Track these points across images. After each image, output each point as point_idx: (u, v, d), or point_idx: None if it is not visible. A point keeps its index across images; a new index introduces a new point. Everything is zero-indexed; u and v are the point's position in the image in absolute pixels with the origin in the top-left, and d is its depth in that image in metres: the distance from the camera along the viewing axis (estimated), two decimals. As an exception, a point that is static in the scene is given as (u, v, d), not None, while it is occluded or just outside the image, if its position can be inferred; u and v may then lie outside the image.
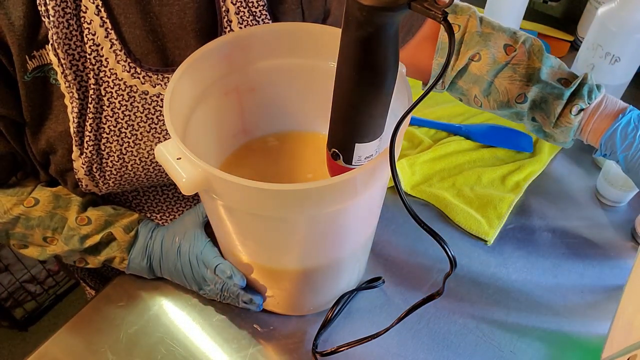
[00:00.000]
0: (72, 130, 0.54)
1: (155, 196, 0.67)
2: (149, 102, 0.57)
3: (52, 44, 0.51)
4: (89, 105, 0.54)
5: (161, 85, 0.57)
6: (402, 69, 0.47)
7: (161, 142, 0.57)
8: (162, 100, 0.57)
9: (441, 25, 0.53)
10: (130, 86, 0.55)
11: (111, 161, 0.57)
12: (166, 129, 0.58)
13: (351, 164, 0.46)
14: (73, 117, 0.54)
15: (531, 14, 1.10)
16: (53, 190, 0.59)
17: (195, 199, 0.71)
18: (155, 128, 0.58)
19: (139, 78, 0.55)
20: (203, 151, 0.56)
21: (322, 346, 0.60)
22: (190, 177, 0.41)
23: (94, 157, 0.56)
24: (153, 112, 0.57)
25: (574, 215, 0.74)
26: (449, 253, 0.40)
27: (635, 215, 0.73)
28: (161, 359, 0.59)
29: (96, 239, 0.59)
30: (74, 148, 0.55)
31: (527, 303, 0.64)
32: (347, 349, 0.56)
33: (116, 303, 0.64)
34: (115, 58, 0.54)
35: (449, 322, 0.62)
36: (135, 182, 0.60)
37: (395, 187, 0.39)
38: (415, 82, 0.95)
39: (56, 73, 0.52)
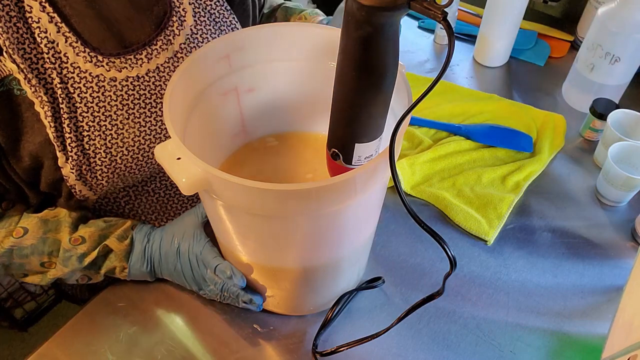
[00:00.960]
0: (51, 136, 0.53)
1: (147, 198, 0.67)
2: (120, 88, 0.55)
3: (6, 52, 0.49)
4: (61, 106, 0.53)
5: (127, 69, 0.55)
6: (402, 68, 0.47)
7: (142, 126, 0.57)
8: (132, 83, 0.56)
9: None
10: (97, 76, 0.54)
11: (99, 158, 0.56)
12: (145, 112, 0.57)
13: (351, 164, 0.46)
14: (49, 122, 0.52)
15: (531, 14, 1.11)
16: (39, 215, 0.58)
17: (189, 198, 0.70)
18: (134, 113, 0.57)
19: (102, 66, 0.54)
20: (203, 151, 0.56)
21: (322, 346, 0.60)
22: (190, 177, 0.41)
23: (81, 158, 0.55)
24: (127, 97, 0.56)
25: (574, 215, 0.74)
26: (449, 253, 0.40)
27: (635, 215, 0.73)
28: (161, 359, 0.59)
29: (94, 255, 0.58)
30: (59, 154, 0.54)
31: (527, 303, 0.64)
32: (347, 349, 0.56)
33: (116, 303, 0.64)
34: (74, 51, 0.53)
35: (449, 322, 0.62)
36: (127, 175, 0.59)
37: (395, 187, 0.39)
38: (415, 82, 0.95)
39: (18, 82, 0.51)
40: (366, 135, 0.44)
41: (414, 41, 1.08)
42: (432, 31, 1.10)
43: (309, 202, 0.43)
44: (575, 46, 1.03)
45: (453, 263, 0.41)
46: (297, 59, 0.57)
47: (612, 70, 0.82)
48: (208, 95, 0.55)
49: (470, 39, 1.06)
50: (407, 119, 0.42)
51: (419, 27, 1.12)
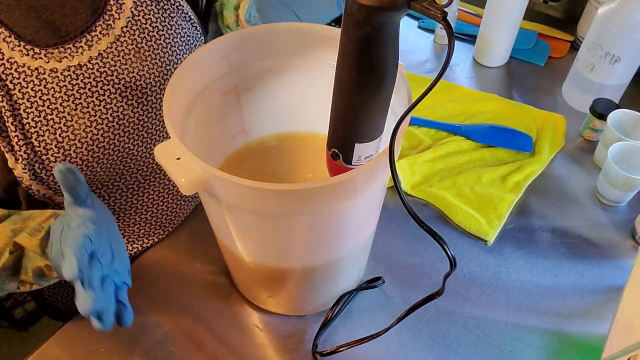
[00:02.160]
0: None
1: (121, 195, 0.64)
2: (62, 79, 0.54)
3: None
4: (2, 104, 0.51)
5: (67, 58, 0.54)
6: (402, 68, 0.47)
7: (92, 115, 0.55)
8: (74, 72, 0.54)
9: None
10: (36, 68, 0.52)
11: (52, 154, 0.54)
12: (94, 101, 0.56)
13: (351, 164, 0.46)
14: None
15: (531, 14, 1.11)
16: None
17: (172, 195, 0.68)
18: (81, 102, 0.55)
19: (40, 58, 0.52)
20: (203, 151, 0.56)
21: (322, 346, 0.60)
22: (190, 177, 0.41)
23: (32, 156, 0.53)
24: (71, 88, 0.54)
25: (574, 215, 0.74)
26: (449, 253, 0.40)
27: (635, 215, 0.73)
28: (161, 359, 0.59)
29: (5, 255, 0.48)
30: (7, 155, 0.52)
31: (527, 303, 0.64)
32: (347, 349, 0.56)
33: (116, 303, 0.64)
34: (8, 46, 0.51)
35: (449, 322, 0.62)
36: (86, 169, 0.57)
37: (395, 187, 0.39)
38: (415, 82, 0.95)
39: None
40: (366, 135, 0.44)
41: (414, 41, 1.08)
42: (432, 31, 1.10)
43: (309, 202, 0.43)
44: (575, 46, 1.03)
45: (453, 263, 0.41)
46: (297, 59, 0.57)
47: (612, 70, 0.82)
48: (208, 95, 0.54)
49: (470, 39, 1.06)
50: (407, 119, 0.42)
51: (419, 27, 1.12)
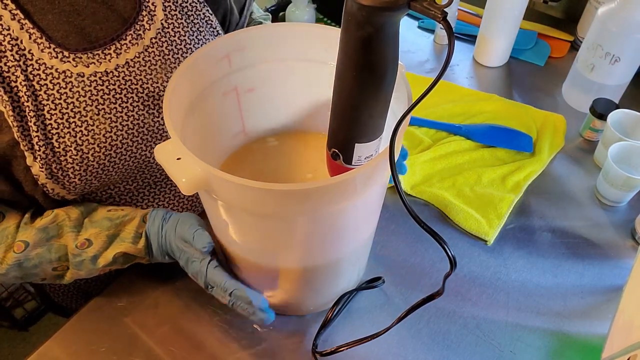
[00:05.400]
0: (16, 135, 0.52)
1: (131, 198, 0.65)
2: (88, 84, 0.55)
3: None
4: (27, 104, 0.52)
5: (95, 64, 0.55)
6: (401, 69, 0.47)
7: (113, 121, 0.56)
8: (100, 79, 0.55)
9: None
10: (64, 71, 0.53)
11: (70, 156, 0.55)
12: (116, 107, 0.56)
13: (351, 164, 0.46)
14: (11, 122, 0.51)
15: (531, 14, 1.11)
16: (37, 226, 0.56)
17: (177, 196, 0.69)
18: (104, 108, 0.56)
19: (69, 61, 0.53)
20: (203, 151, 0.56)
21: (322, 346, 0.60)
22: (190, 177, 0.41)
23: (50, 157, 0.54)
24: (96, 93, 0.55)
25: (574, 215, 0.74)
26: (449, 253, 0.40)
27: (635, 215, 0.73)
28: (161, 359, 0.59)
29: (108, 257, 0.56)
30: (26, 153, 0.53)
31: (527, 303, 0.64)
32: (347, 349, 0.56)
33: (116, 303, 0.64)
34: (39, 47, 0.52)
35: (449, 322, 0.62)
36: (101, 173, 0.58)
37: (395, 187, 0.39)
38: (415, 82, 0.95)
39: None
40: (366, 135, 0.44)
41: (414, 41, 1.08)
42: (432, 31, 1.10)
43: (309, 202, 0.43)
44: (575, 46, 1.03)
45: (453, 263, 0.41)
46: (297, 59, 0.57)
47: (612, 70, 0.82)
48: (208, 95, 0.55)
49: (470, 39, 1.06)
50: (407, 119, 0.42)
51: (419, 27, 1.12)
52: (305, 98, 0.61)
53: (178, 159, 0.41)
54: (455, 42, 1.06)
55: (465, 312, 0.63)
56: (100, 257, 0.57)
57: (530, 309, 0.64)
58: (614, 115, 0.77)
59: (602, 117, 0.80)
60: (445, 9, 0.33)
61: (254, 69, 0.57)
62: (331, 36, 0.53)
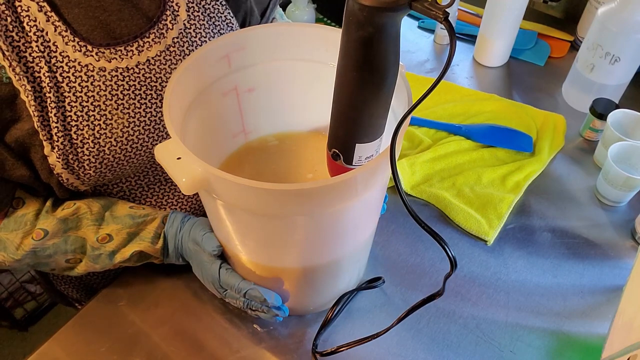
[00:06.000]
0: (36, 124, 0.53)
1: (141, 193, 0.66)
2: (109, 79, 0.55)
3: None
4: (48, 95, 0.53)
5: (117, 59, 0.55)
6: (402, 69, 0.47)
7: (131, 117, 0.57)
8: (121, 74, 0.56)
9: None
10: (86, 65, 0.54)
11: (87, 148, 0.56)
12: (134, 104, 0.57)
13: (351, 164, 0.46)
14: (32, 111, 0.52)
15: (531, 14, 1.11)
16: (58, 216, 0.58)
17: (185, 195, 0.69)
18: (122, 104, 0.57)
19: (92, 55, 0.54)
20: (203, 151, 0.56)
21: (322, 346, 0.60)
22: (190, 177, 0.41)
23: (68, 148, 0.55)
24: (116, 88, 0.56)
25: (574, 215, 0.74)
26: (449, 253, 0.40)
27: (635, 215, 0.73)
28: (161, 359, 0.59)
29: (125, 254, 0.58)
30: (44, 143, 0.54)
31: (527, 303, 0.64)
32: (347, 349, 0.57)
33: (116, 303, 0.64)
34: (63, 40, 0.53)
35: (449, 322, 0.62)
36: (115, 166, 0.59)
37: (395, 187, 0.39)
38: (415, 82, 0.95)
39: (4, 69, 0.51)
40: (367, 136, 0.44)
41: (414, 41, 1.08)
42: (432, 31, 1.10)
43: (309, 202, 0.43)
44: (575, 46, 1.03)
45: (453, 263, 0.41)
46: (297, 59, 0.57)
47: (612, 70, 0.82)
48: (208, 95, 0.55)
49: (470, 39, 1.06)
50: (408, 120, 0.42)
51: (419, 27, 1.12)
52: (306, 98, 0.61)
53: (178, 158, 0.41)
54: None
55: (465, 312, 0.63)
56: (118, 253, 0.59)
57: (530, 309, 0.64)
58: (614, 115, 0.78)
59: (602, 117, 0.80)
60: (446, 9, 0.33)
61: (253, 69, 0.57)
62: (331, 36, 0.53)
